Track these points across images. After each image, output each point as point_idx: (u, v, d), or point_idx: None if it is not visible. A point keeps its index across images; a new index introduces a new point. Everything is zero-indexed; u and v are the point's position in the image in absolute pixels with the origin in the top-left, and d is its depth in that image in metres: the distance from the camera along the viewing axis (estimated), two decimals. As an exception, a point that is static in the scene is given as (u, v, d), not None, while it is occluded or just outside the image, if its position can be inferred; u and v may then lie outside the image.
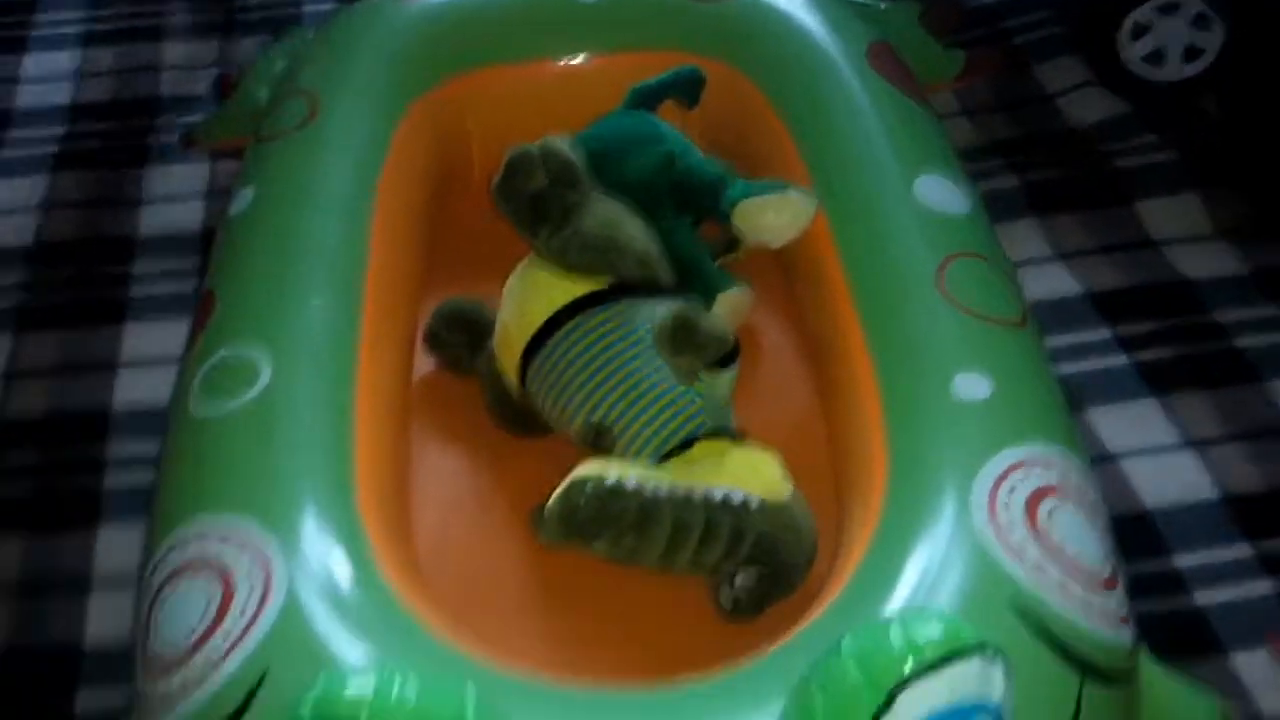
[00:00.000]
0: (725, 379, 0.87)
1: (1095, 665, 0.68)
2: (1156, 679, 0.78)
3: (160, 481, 0.84)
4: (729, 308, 0.96)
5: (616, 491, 0.77)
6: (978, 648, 0.56)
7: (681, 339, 0.83)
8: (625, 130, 1.02)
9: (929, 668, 0.55)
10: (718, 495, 0.79)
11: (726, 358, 0.85)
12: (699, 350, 0.83)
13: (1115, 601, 0.72)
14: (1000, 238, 0.97)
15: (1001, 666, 0.58)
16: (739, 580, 0.79)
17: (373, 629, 0.70)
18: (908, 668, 0.55)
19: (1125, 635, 0.72)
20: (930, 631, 0.56)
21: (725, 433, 0.84)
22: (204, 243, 1.28)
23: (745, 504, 0.79)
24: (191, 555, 0.74)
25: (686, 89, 1.07)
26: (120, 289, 1.27)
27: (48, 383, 1.19)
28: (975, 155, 1.36)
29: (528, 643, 0.77)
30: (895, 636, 0.56)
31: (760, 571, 0.79)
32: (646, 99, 1.06)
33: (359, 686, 0.56)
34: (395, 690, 0.56)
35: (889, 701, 0.55)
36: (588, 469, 0.78)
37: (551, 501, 0.78)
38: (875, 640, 0.56)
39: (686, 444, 0.83)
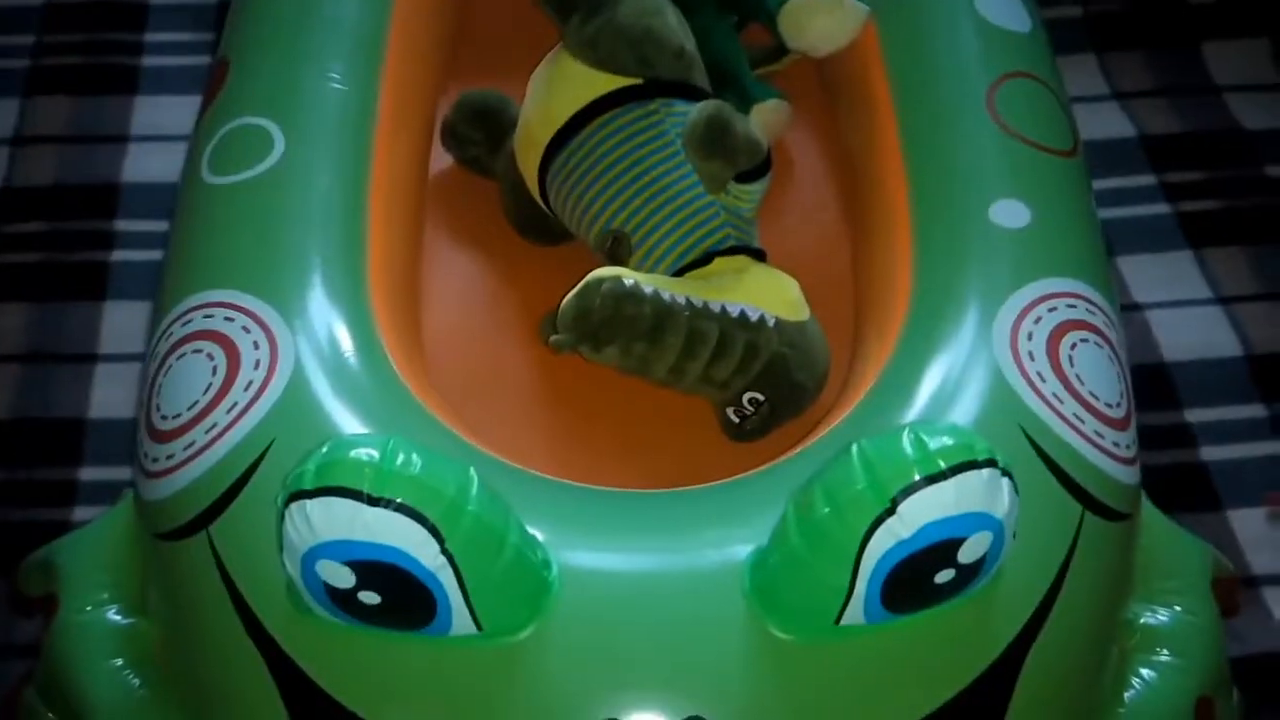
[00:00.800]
0: (753, 193, 0.84)
1: (1098, 499, 0.68)
2: (1153, 523, 0.78)
3: (170, 252, 0.82)
4: (765, 119, 0.92)
5: (633, 294, 0.75)
6: (987, 461, 0.56)
7: (713, 141, 0.79)
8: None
9: (937, 476, 0.55)
10: (734, 310, 0.77)
11: (757, 170, 0.82)
12: (731, 155, 0.79)
13: (1125, 441, 0.72)
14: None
15: (1009, 484, 0.57)
16: (747, 400, 0.79)
17: (379, 409, 0.70)
18: (915, 474, 0.54)
19: (1131, 475, 0.72)
20: (941, 441, 0.55)
21: (747, 250, 0.82)
22: (219, 14, 1.24)
23: (762, 321, 0.77)
24: (198, 327, 0.73)
25: None
26: (132, 58, 1.23)
27: (56, 151, 1.17)
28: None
29: (528, 447, 0.76)
30: (906, 444, 0.55)
31: (770, 392, 0.78)
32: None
33: (364, 452, 0.56)
34: (400, 459, 0.56)
35: (892, 507, 0.55)
36: (603, 271, 0.77)
37: (565, 301, 0.77)
38: (885, 447, 0.56)
39: (706, 258, 0.81)
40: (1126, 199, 1.14)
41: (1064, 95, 0.88)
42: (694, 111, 0.80)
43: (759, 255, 0.83)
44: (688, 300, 0.77)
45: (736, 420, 0.79)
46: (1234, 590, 0.80)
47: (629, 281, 0.76)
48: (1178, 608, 0.74)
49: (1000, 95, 0.83)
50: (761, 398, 0.78)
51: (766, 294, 0.79)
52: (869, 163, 0.87)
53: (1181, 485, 0.99)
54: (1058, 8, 1.28)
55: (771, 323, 0.78)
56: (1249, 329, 1.06)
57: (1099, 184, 1.12)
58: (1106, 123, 1.19)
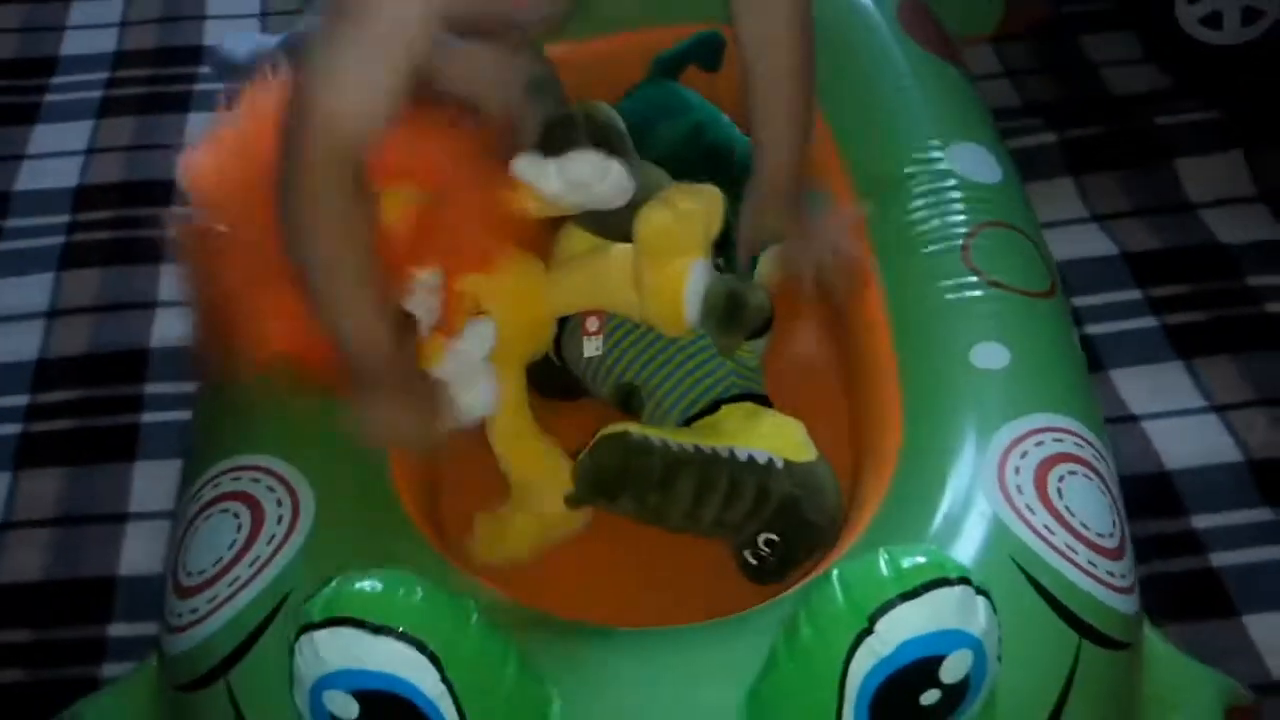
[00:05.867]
0: (757, 346, 0.87)
1: (1095, 628, 0.68)
2: (1160, 654, 0.78)
3: (197, 419, 0.86)
4: (767, 270, 0.95)
5: (642, 446, 0.77)
6: (960, 579, 0.57)
7: (732, 318, 0.80)
8: (651, 102, 1.02)
9: (911, 594, 0.56)
10: (743, 455, 0.79)
11: (762, 327, 0.84)
12: (746, 327, 0.81)
13: (1120, 570, 0.72)
14: (1035, 197, 0.96)
15: (985, 602, 0.58)
16: (763, 542, 0.80)
17: (392, 554, 0.72)
18: (889, 592, 0.56)
19: (1128, 604, 0.72)
20: (914, 560, 0.57)
21: (753, 397, 0.85)
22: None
23: (770, 464, 0.79)
24: (226, 489, 0.77)
25: (707, 54, 1.07)
26: (158, 230, 1.29)
27: (88, 321, 1.22)
28: (1013, 114, 1.35)
29: (550, 597, 0.76)
30: (880, 565, 0.57)
31: (784, 533, 0.79)
32: (669, 67, 1.06)
33: (368, 584, 0.58)
34: (402, 590, 0.58)
35: (870, 626, 0.56)
36: (613, 427, 0.79)
37: (578, 459, 0.79)
38: (861, 569, 0.57)
39: (714, 407, 0.83)
40: (1114, 314, 1.16)
41: (1039, 238, 0.91)
42: (712, 288, 0.81)
43: (764, 401, 0.85)
44: (696, 448, 0.78)
45: (754, 563, 0.80)
46: (1250, 720, 0.79)
47: (637, 435, 0.78)
48: (1189, 740, 0.73)
49: (976, 245, 0.86)
50: (777, 539, 0.79)
51: (773, 437, 0.81)
52: (855, 315, 0.89)
53: (1195, 593, 0.98)
54: (1034, 135, 1.33)
55: (780, 465, 0.79)
56: (1246, 434, 1.07)
57: (1085, 301, 1.16)
58: (1089, 243, 1.22)
